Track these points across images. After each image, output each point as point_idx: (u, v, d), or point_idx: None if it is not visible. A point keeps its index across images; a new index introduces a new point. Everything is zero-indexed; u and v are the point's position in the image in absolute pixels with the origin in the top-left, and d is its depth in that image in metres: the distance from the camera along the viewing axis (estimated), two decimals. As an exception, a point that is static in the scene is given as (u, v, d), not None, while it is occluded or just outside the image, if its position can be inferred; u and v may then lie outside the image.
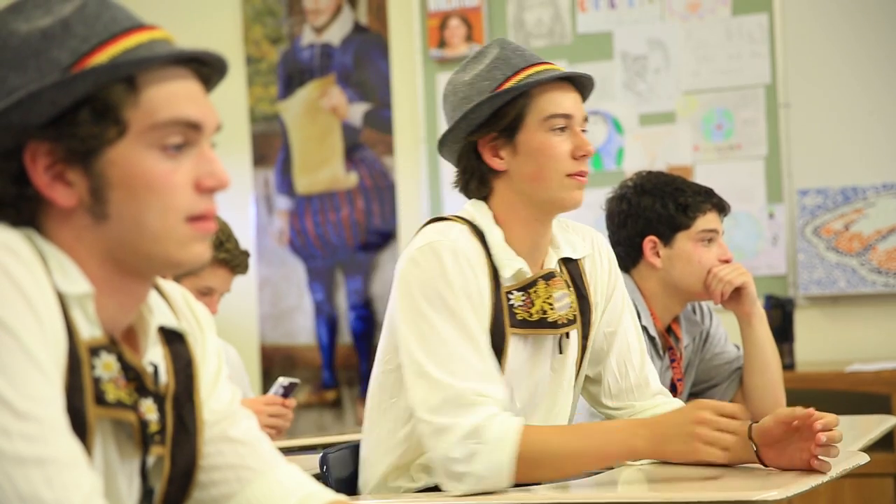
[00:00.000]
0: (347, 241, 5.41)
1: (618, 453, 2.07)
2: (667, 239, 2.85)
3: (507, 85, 2.16)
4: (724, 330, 3.06)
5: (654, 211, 2.84)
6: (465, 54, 5.16)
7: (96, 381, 1.30)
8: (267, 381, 5.42)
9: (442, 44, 5.21)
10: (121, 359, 1.33)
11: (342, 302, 5.41)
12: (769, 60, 4.82)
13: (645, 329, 2.84)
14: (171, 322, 1.43)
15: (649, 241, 2.85)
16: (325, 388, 5.41)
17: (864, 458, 2.20)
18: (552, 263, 2.24)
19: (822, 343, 4.75)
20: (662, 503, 1.97)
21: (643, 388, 2.31)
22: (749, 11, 4.86)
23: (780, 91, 4.80)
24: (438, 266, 2.10)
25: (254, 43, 5.53)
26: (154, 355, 1.40)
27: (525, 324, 2.17)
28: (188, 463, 1.43)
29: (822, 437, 1.96)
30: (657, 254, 2.85)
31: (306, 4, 5.49)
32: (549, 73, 2.18)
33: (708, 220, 2.85)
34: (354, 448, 2.41)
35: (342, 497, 1.53)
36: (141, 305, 1.38)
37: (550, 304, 2.19)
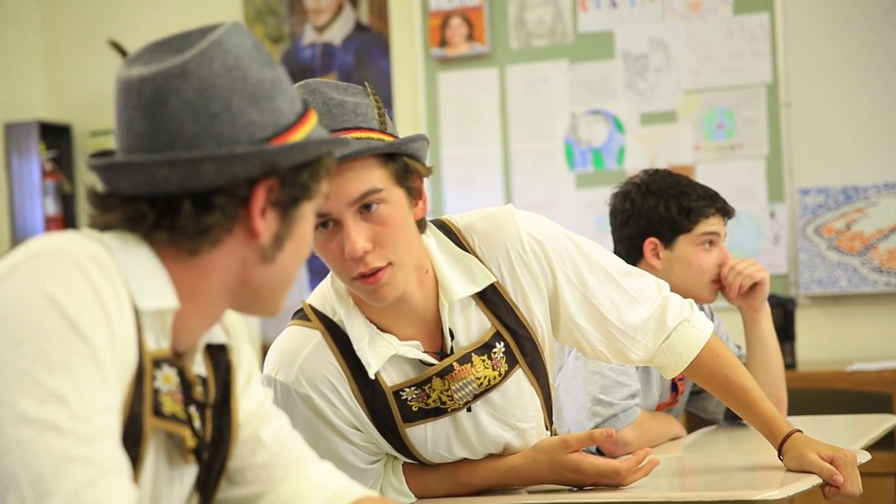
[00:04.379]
0: (349, 240, 5.41)
1: (501, 485, 2.14)
2: (667, 241, 2.84)
3: None
4: (726, 330, 3.06)
5: (656, 213, 2.83)
6: (467, 53, 5.16)
7: (155, 393, 1.34)
8: (268, 381, 5.42)
9: (443, 43, 5.21)
10: (181, 373, 1.38)
11: (343, 301, 5.40)
12: (770, 60, 4.82)
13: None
14: (220, 338, 1.49)
15: (650, 243, 2.84)
16: (327, 388, 5.41)
17: (866, 456, 2.20)
18: (447, 317, 2.04)
19: (824, 342, 4.75)
20: (662, 503, 1.97)
21: (631, 334, 2.17)
22: (750, 11, 4.86)
23: (782, 90, 4.80)
24: (289, 405, 2.03)
25: (255, 42, 5.53)
26: (200, 367, 1.45)
27: (422, 413, 2.06)
28: (220, 468, 1.48)
29: (832, 497, 2.06)
30: (657, 255, 2.85)
31: (307, 4, 5.49)
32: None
33: (710, 223, 2.84)
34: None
35: (372, 492, 1.56)
36: None
37: (449, 396, 2.05)
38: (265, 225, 1.36)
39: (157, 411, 1.34)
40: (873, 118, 4.72)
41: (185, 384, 1.39)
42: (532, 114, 5.13)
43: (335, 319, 2.04)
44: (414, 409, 2.05)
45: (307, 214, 1.41)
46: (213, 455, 1.45)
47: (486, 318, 2.08)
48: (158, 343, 1.35)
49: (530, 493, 2.08)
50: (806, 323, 4.71)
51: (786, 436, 2.11)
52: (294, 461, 1.53)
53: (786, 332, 4.38)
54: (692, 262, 2.83)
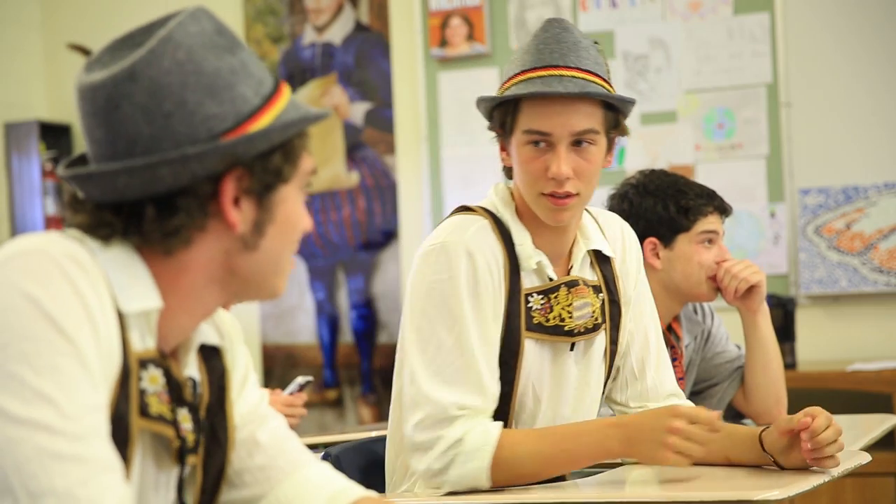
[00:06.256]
0: (349, 240, 5.41)
1: (591, 455, 2.08)
2: (667, 241, 2.85)
3: (502, 89, 2.14)
4: (726, 329, 3.06)
5: (654, 213, 2.84)
6: (467, 53, 5.16)
7: (141, 393, 1.33)
8: (269, 381, 5.42)
9: (443, 43, 5.21)
10: (167, 374, 1.37)
11: (343, 301, 5.41)
12: (770, 60, 4.82)
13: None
14: (213, 339, 1.47)
15: (649, 243, 2.85)
16: (327, 388, 5.41)
17: (866, 458, 2.20)
18: (579, 257, 2.21)
19: (824, 342, 4.75)
20: (662, 503, 1.97)
21: (658, 389, 2.30)
22: (750, 11, 4.86)
23: (782, 90, 4.80)
24: (448, 269, 2.09)
25: (255, 42, 5.53)
26: (192, 370, 1.44)
27: (540, 328, 2.16)
28: (218, 472, 1.47)
29: (807, 444, 2.00)
30: (657, 255, 2.85)
31: (308, 3, 5.49)
32: (530, 89, 2.09)
33: (709, 221, 2.85)
34: (356, 447, 2.41)
35: (371, 493, 1.56)
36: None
37: (569, 313, 2.18)
38: (240, 215, 1.34)
39: (144, 412, 1.33)
40: (873, 118, 4.72)
41: (173, 385, 1.37)
42: (532, 114, 5.12)
43: (498, 215, 2.19)
44: (535, 320, 2.15)
45: (288, 197, 1.38)
46: (210, 460, 1.45)
47: (596, 276, 2.26)
48: (144, 342, 1.34)
49: (538, 491, 2.07)
50: (806, 323, 4.71)
51: (759, 435, 2.11)
52: (292, 462, 1.53)
53: (786, 332, 4.39)
54: (692, 260, 2.84)
